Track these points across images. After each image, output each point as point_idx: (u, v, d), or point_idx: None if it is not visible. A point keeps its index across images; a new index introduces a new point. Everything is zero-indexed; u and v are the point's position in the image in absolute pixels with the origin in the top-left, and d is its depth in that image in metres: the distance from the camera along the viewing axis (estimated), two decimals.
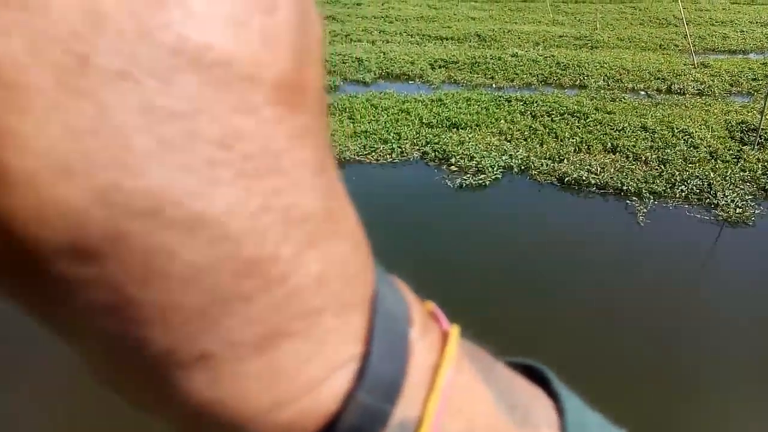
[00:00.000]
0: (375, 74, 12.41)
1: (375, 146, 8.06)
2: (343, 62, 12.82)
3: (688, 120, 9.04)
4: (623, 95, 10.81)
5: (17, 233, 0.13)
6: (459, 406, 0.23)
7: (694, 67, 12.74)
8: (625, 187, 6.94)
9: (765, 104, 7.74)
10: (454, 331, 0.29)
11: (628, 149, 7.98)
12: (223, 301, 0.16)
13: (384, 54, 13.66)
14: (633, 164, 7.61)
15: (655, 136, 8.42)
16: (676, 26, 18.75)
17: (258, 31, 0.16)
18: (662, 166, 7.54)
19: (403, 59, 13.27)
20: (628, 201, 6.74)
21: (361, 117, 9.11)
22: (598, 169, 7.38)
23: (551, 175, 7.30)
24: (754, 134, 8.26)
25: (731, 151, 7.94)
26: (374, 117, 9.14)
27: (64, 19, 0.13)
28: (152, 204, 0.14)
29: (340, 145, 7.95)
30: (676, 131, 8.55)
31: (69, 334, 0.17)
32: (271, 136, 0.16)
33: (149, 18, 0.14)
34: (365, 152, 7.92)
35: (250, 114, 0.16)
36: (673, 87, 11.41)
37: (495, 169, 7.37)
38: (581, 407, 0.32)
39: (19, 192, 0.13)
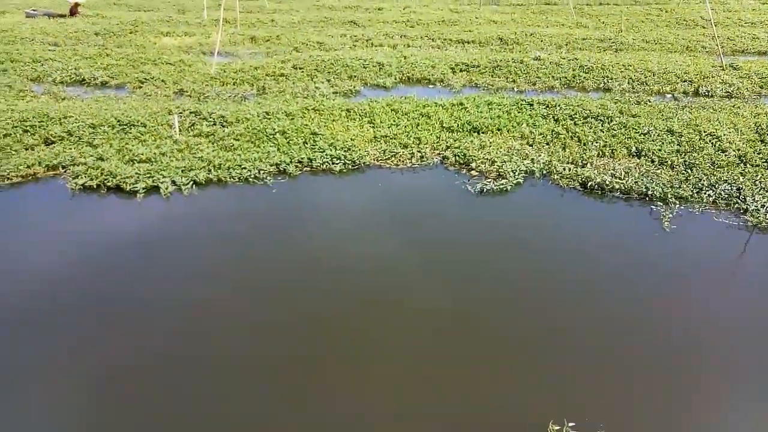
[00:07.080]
0: (396, 78, 12.42)
1: (395, 150, 8.04)
2: (364, 67, 12.78)
3: (716, 123, 8.82)
4: (648, 98, 10.61)
5: None
6: None
7: (723, 69, 12.46)
8: (650, 192, 6.79)
9: None
10: None
11: (653, 153, 7.81)
12: None
13: (405, 58, 13.67)
14: (658, 168, 7.45)
15: (682, 139, 8.23)
16: (704, 27, 18.41)
17: None
18: (689, 171, 7.36)
19: (424, 63, 13.22)
20: (653, 206, 6.59)
21: (381, 122, 9.10)
22: (622, 173, 7.25)
23: (574, 180, 7.18)
24: None
25: (761, 155, 7.72)
26: (394, 121, 9.13)
27: None
28: None
29: (360, 150, 7.95)
30: (703, 134, 8.35)
31: None
32: None
33: None
34: (385, 157, 7.91)
35: None
36: (700, 89, 11.18)
37: (516, 173, 7.29)
38: None
39: None
